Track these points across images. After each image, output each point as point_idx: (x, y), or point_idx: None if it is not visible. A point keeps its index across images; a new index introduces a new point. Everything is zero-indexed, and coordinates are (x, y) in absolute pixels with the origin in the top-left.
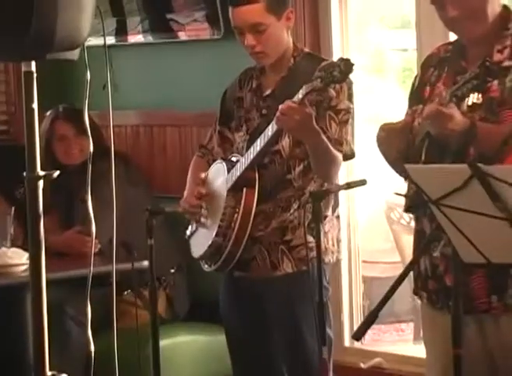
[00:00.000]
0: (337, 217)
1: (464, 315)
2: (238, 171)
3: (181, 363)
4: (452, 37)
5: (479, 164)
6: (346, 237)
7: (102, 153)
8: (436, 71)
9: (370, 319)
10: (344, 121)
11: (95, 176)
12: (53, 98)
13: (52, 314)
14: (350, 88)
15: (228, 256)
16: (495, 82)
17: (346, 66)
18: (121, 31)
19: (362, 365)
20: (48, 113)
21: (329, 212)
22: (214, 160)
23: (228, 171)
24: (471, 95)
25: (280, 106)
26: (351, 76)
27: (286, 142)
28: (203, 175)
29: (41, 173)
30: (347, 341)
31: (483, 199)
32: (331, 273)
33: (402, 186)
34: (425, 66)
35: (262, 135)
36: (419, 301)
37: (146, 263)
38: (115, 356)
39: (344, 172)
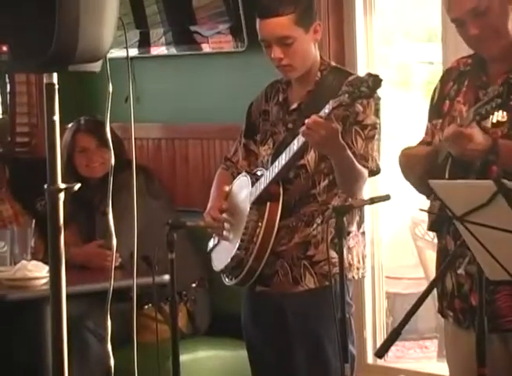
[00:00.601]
0: (363, 233)
1: (489, 333)
2: (262, 184)
3: None
4: None
5: (504, 181)
6: (370, 253)
7: (123, 166)
8: (455, 85)
9: (393, 337)
10: (370, 136)
11: (116, 189)
12: (75, 110)
13: (71, 328)
14: (377, 104)
15: (249, 270)
16: None
17: (374, 82)
18: (144, 43)
19: None
20: (69, 125)
21: (354, 228)
22: (238, 173)
23: (253, 185)
24: (495, 113)
25: (306, 121)
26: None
27: (311, 156)
28: (227, 188)
29: (62, 186)
30: (370, 358)
31: (508, 215)
32: (354, 290)
33: (427, 202)
34: (444, 79)
35: (287, 150)
36: (442, 319)
37: (166, 277)
38: (135, 371)
39: (369, 187)
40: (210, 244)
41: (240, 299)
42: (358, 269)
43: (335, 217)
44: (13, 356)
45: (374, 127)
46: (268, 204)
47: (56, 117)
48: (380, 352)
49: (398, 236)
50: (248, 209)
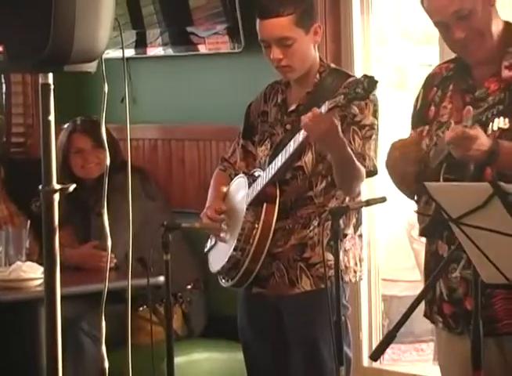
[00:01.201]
0: (360, 236)
1: (485, 337)
2: (259, 186)
3: None
4: None
5: (500, 183)
6: (366, 255)
7: (119, 167)
8: (439, 91)
9: (388, 339)
10: (367, 136)
11: (112, 190)
12: (71, 111)
13: (66, 329)
14: (376, 105)
15: (245, 272)
16: None
17: (370, 83)
18: (141, 44)
19: None
20: (65, 125)
21: (351, 230)
22: (236, 175)
23: (249, 186)
24: (496, 120)
25: (303, 117)
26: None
27: (308, 158)
28: (224, 189)
29: (57, 186)
30: (365, 360)
31: (504, 218)
32: (350, 293)
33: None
34: (427, 85)
35: (284, 151)
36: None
37: (161, 279)
38: (129, 373)
39: (365, 189)
40: (208, 245)
41: (236, 301)
42: (355, 271)
43: (331, 219)
44: (8, 357)
45: (372, 127)
46: (265, 205)
47: (52, 118)
48: (375, 355)
49: (394, 239)
50: (245, 210)
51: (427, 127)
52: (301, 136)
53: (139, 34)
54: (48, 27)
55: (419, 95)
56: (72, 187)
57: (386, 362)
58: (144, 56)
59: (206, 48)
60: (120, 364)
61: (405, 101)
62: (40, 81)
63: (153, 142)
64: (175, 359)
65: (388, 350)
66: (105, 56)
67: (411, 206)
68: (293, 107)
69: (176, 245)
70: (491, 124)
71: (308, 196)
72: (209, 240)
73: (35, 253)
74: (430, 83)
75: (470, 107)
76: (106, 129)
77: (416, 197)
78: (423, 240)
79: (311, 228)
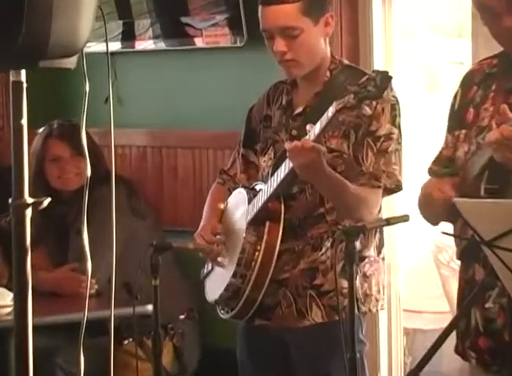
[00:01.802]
0: (383, 259)
1: None
2: (260, 201)
3: None
4: None
5: None
6: (386, 282)
7: (101, 177)
8: (480, 90)
9: None
10: (383, 149)
11: (93, 205)
12: (47, 113)
13: (39, 365)
14: (394, 109)
15: (247, 301)
16: None
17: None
18: (128, 36)
19: None
20: (40, 130)
21: (372, 253)
22: (235, 189)
23: (250, 202)
24: None
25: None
26: (398, 94)
27: None
28: (221, 206)
29: (30, 200)
30: None
31: None
32: (367, 325)
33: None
34: (466, 83)
35: (288, 160)
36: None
37: (150, 308)
38: None
39: (384, 206)
40: (204, 270)
41: (235, 333)
42: (377, 300)
43: (345, 240)
44: None
45: (389, 137)
46: (268, 223)
47: (24, 121)
48: None
49: (418, 263)
50: (245, 230)
51: (463, 131)
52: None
53: (126, 25)
54: (21, 16)
55: (457, 93)
56: (47, 201)
57: None
58: (132, 50)
59: (203, 41)
60: None
61: (434, 104)
62: (11, 78)
63: (141, 150)
64: None
65: None
66: (86, 49)
67: (439, 226)
68: (299, 110)
69: (167, 269)
70: None
71: (319, 213)
72: (205, 265)
73: (4, 277)
74: (469, 81)
75: (505, 105)
76: (87, 134)
77: (449, 217)
78: (454, 265)
79: (323, 250)
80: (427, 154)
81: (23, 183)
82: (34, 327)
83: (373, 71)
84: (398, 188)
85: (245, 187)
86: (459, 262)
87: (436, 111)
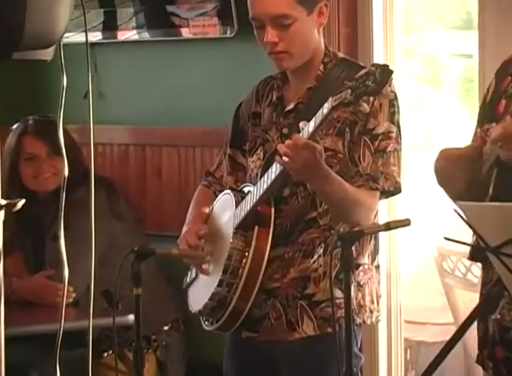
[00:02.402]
0: (377, 267)
1: None
2: (248, 204)
3: None
4: None
5: None
6: (385, 291)
7: (80, 178)
8: None
9: None
10: (381, 149)
11: (71, 207)
12: (21, 108)
13: None
14: (393, 105)
15: (233, 312)
16: None
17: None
18: (110, 26)
19: None
20: (14, 126)
21: (366, 260)
22: (222, 191)
23: (237, 205)
24: None
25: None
26: (396, 88)
27: None
28: (207, 210)
29: (3, 202)
30: None
31: None
32: (365, 337)
33: (459, 227)
34: (501, 74)
35: None
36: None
37: (131, 318)
38: None
39: (384, 210)
40: (187, 279)
41: (223, 346)
42: (371, 311)
43: (341, 246)
44: None
45: (387, 137)
46: (257, 228)
47: None
48: None
49: (420, 271)
50: (232, 235)
51: (493, 124)
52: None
53: (108, 14)
54: None
55: (490, 84)
56: (21, 202)
57: None
58: (113, 41)
59: (190, 32)
60: None
61: (437, 100)
62: None
63: (123, 148)
64: None
65: None
66: (64, 40)
67: (442, 231)
68: (291, 106)
69: (150, 276)
70: None
71: (311, 217)
72: (189, 273)
73: None
74: (504, 71)
75: None
76: (65, 131)
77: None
78: (458, 273)
79: (316, 257)
80: (428, 153)
81: None
82: (7, 338)
83: (372, 65)
84: (396, 190)
85: (232, 189)
86: (464, 270)
87: (439, 107)
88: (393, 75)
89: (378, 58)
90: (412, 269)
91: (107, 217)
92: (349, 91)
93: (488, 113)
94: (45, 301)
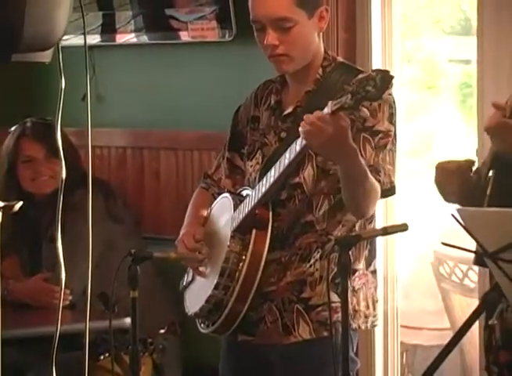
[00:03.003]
0: (373, 272)
1: None
2: (247, 207)
3: None
4: None
5: None
6: (382, 296)
7: (78, 181)
8: None
9: None
10: (381, 145)
11: (69, 210)
12: (19, 110)
13: None
14: (391, 107)
15: (229, 315)
16: None
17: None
18: (109, 29)
19: None
20: (12, 129)
21: (362, 265)
22: (220, 194)
23: (235, 208)
24: None
25: (306, 116)
26: (394, 93)
27: (309, 172)
28: (205, 213)
29: (0, 204)
30: None
31: None
32: (362, 341)
33: (457, 232)
34: None
35: (278, 163)
36: None
37: (128, 321)
38: None
39: (381, 214)
40: (183, 282)
41: (218, 349)
42: (366, 316)
43: (338, 251)
44: None
45: (387, 135)
46: (254, 231)
47: None
48: None
49: (417, 276)
50: (229, 238)
51: None
52: (298, 146)
53: (106, 17)
54: None
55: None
56: (19, 205)
57: None
58: (112, 43)
59: (189, 35)
60: None
61: (435, 105)
62: None
63: (121, 151)
64: None
65: None
66: (63, 43)
67: (439, 236)
68: (289, 110)
69: (146, 279)
70: None
71: (308, 221)
72: (186, 275)
73: None
74: None
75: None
76: (63, 134)
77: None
78: (455, 278)
79: (312, 261)
80: (425, 158)
81: None
82: (4, 341)
83: (373, 70)
84: (391, 190)
85: (231, 192)
86: (460, 276)
87: (436, 112)
88: (393, 81)
89: (377, 63)
90: (409, 273)
91: (104, 220)
92: (349, 95)
93: None
94: (41, 303)
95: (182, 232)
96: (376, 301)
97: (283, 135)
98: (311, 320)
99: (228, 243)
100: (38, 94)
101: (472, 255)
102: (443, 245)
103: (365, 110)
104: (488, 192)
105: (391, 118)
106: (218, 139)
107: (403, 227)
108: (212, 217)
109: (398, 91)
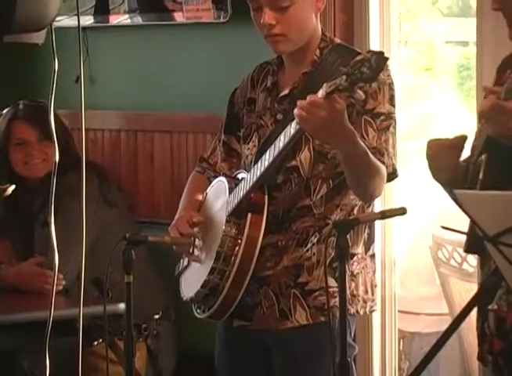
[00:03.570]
0: (372, 256)
1: None
2: (242, 191)
3: None
4: None
5: None
6: (380, 281)
7: (71, 164)
8: None
9: None
10: (383, 127)
11: (62, 193)
12: (12, 92)
13: (0, 367)
14: (391, 89)
15: (225, 300)
16: None
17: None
18: (102, 10)
19: None
20: (4, 111)
21: (360, 249)
22: (216, 177)
23: (230, 192)
24: None
25: (299, 102)
26: (392, 75)
27: (305, 156)
28: (200, 197)
29: None
30: None
31: None
32: (359, 327)
33: (455, 216)
34: (500, 70)
35: (272, 147)
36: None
37: (122, 306)
38: None
39: (379, 198)
40: (179, 266)
41: (213, 335)
42: (365, 301)
43: (336, 235)
44: None
45: (389, 117)
46: (250, 215)
47: None
48: None
49: (415, 261)
50: (224, 222)
51: None
52: (292, 129)
53: None
54: None
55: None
56: (11, 188)
57: None
58: (105, 25)
59: (183, 16)
60: None
61: (433, 87)
62: None
63: (114, 134)
64: None
65: None
66: (56, 24)
67: (438, 219)
68: (285, 92)
69: (141, 264)
70: None
71: (305, 205)
72: (181, 260)
73: None
74: (504, 66)
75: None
76: (56, 117)
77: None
78: (454, 262)
79: (309, 246)
80: (423, 141)
81: None
82: None
83: (368, 52)
84: (393, 174)
85: (226, 176)
86: (459, 260)
87: (435, 95)
88: (389, 62)
89: (374, 45)
90: (407, 258)
91: (98, 203)
92: (344, 77)
93: None
94: (33, 288)
95: (176, 217)
96: (375, 286)
97: (279, 116)
98: (307, 305)
99: (224, 227)
100: (31, 76)
101: None
102: (442, 229)
103: (360, 92)
104: (481, 176)
105: (392, 100)
106: (212, 122)
107: (401, 211)
108: (207, 201)
109: (395, 73)
